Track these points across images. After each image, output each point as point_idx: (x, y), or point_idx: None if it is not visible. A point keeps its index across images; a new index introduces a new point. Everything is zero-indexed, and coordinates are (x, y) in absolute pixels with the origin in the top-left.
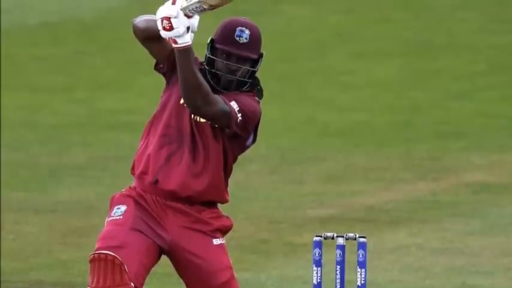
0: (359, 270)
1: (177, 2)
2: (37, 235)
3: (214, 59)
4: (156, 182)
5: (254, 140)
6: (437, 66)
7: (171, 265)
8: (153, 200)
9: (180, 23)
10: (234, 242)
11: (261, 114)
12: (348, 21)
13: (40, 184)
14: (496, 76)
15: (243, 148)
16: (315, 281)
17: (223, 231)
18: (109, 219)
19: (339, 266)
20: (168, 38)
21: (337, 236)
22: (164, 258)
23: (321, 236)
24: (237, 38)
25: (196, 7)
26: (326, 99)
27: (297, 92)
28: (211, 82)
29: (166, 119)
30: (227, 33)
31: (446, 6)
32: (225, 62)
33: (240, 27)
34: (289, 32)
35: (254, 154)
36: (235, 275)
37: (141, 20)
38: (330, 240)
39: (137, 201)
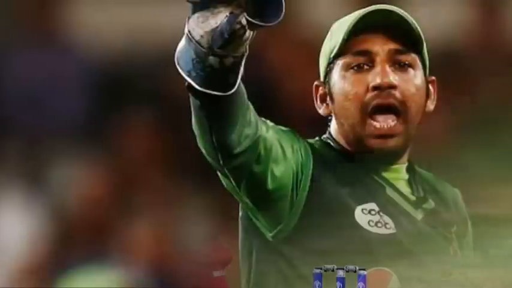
0: None
1: None
2: None
3: None
4: None
5: None
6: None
7: None
8: None
9: None
10: (233, 274)
11: None
12: None
13: None
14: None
15: None
16: None
17: (223, 263)
18: None
19: None
20: None
21: (337, 269)
22: None
23: (321, 268)
24: None
25: None
26: None
27: None
28: None
29: None
30: None
31: None
32: None
33: None
34: None
35: None
36: None
37: None
38: (330, 273)
39: None
